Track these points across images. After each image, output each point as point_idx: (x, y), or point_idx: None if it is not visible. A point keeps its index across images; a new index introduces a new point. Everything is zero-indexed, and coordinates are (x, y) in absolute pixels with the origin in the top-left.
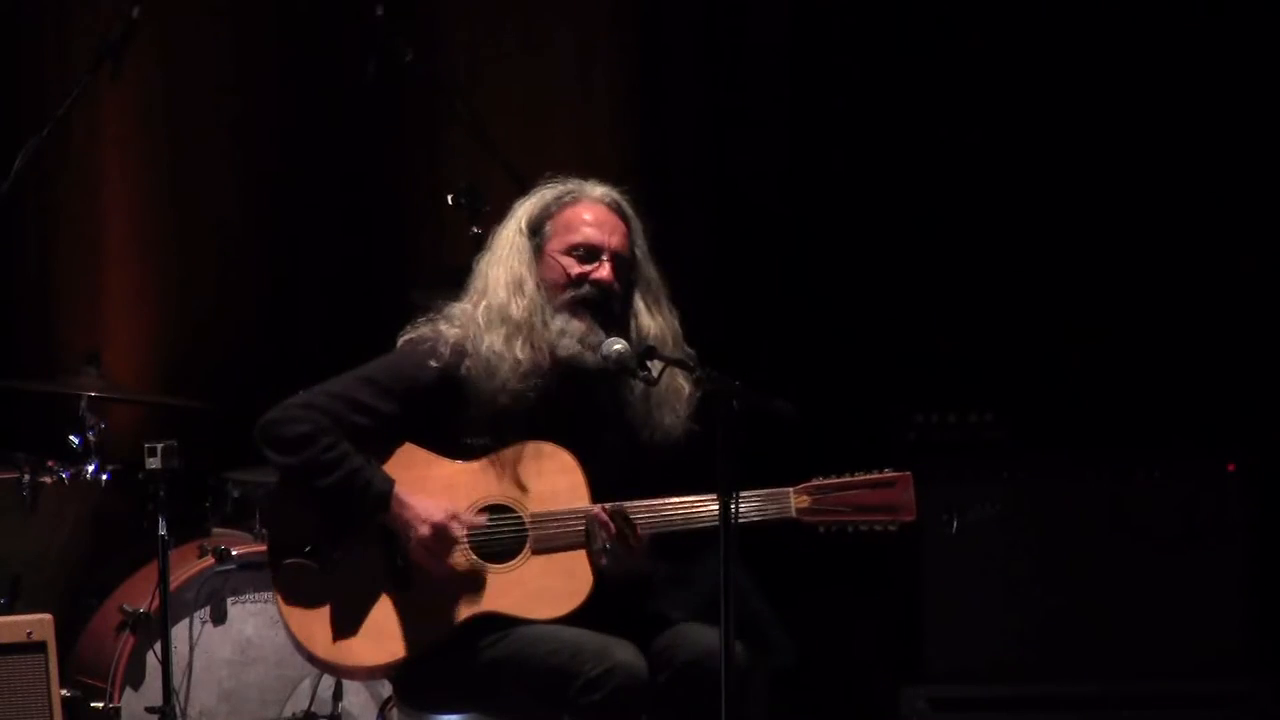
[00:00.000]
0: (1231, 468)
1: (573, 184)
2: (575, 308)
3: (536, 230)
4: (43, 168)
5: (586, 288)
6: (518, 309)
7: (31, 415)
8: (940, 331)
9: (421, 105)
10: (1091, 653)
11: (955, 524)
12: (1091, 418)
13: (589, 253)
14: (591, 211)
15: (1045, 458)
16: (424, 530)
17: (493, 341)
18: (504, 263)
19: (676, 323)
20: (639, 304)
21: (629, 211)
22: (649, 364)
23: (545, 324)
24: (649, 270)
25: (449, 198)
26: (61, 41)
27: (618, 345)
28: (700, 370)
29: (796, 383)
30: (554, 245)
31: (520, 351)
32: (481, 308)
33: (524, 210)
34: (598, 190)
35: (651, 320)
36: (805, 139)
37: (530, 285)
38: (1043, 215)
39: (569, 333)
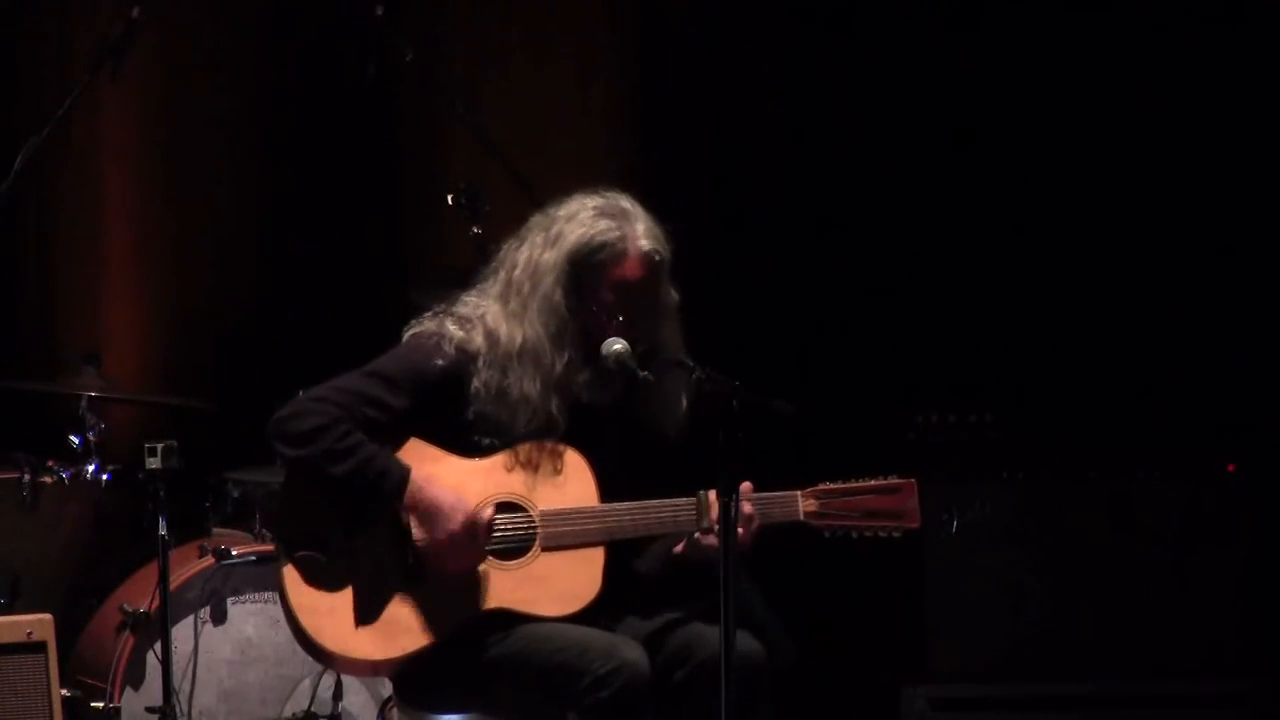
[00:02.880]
0: (1231, 468)
1: (620, 223)
2: (604, 371)
3: (580, 272)
4: (43, 168)
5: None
6: (560, 363)
7: (31, 415)
8: (940, 331)
9: (421, 105)
10: (1092, 653)
11: (955, 524)
12: (1092, 418)
13: (630, 319)
14: (640, 273)
15: (1045, 458)
16: (454, 527)
17: (524, 384)
18: (546, 297)
19: (679, 333)
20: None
21: (667, 255)
22: (649, 364)
23: (571, 370)
24: (666, 292)
25: (449, 198)
26: (61, 41)
27: (617, 346)
28: (700, 371)
29: (797, 383)
30: (597, 297)
31: (554, 406)
32: (519, 339)
33: (571, 241)
34: (645, 243)
35: (661, 336)
36: (804, 140)
37: (570, 333)
38: (1043, 215)
39: (596, 388)
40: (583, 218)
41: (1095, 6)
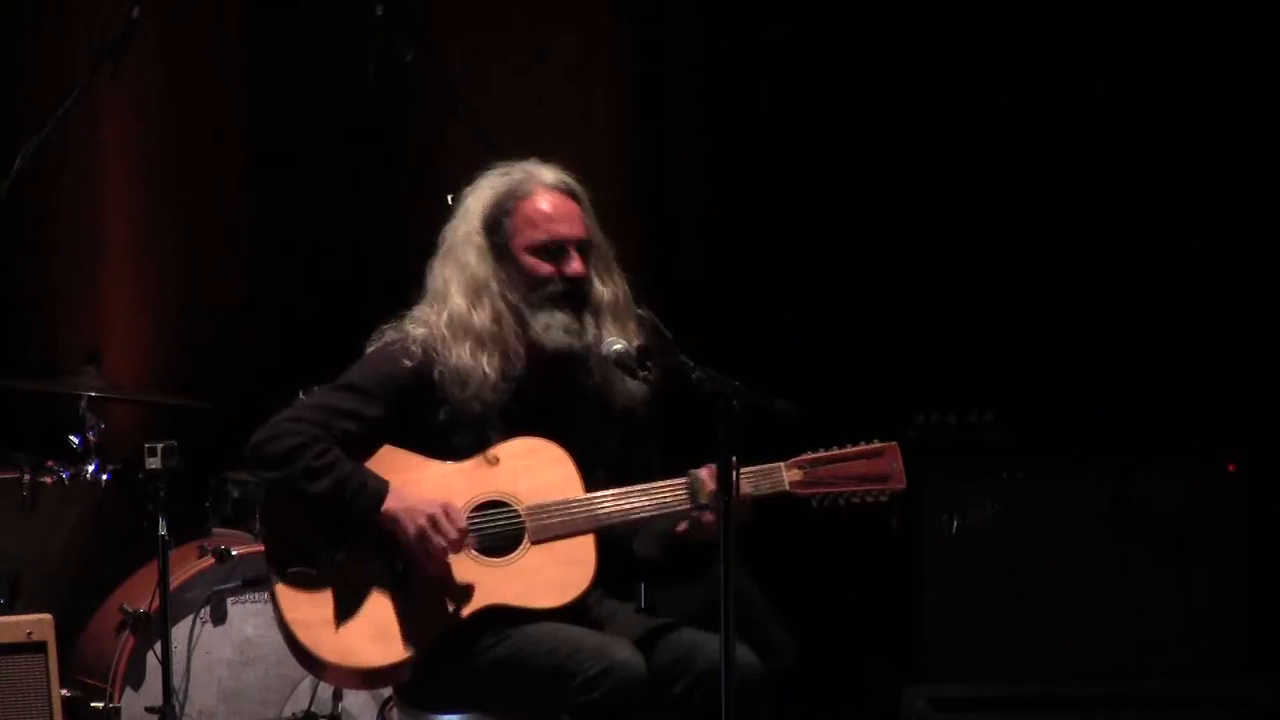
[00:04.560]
0: (1231, 468)
1: (520, 172)
2: (555, 301)
3: (495, 227)
4: (43, 168)
5: (561, 284)
6: (479, 318)
7: (31, 415)
8: (940, 331)
9: (421, 105)
10: (1092, 653)
11: (955, 524)
12: (1091, 418)
13: (558, 249)
14: (550, 202)
15: (1045, 458)
16: (421, 522)
17: (460, 353)
18: (459, 266)
19: (625, 285)
20: (591, 273)
21: (580, 190)
22: (649, 363)
23: (521, 323)
24: (596, 237)
25: (449, 198)
26: (61, 41)
27: (617, 345)
28: (699, 370)
29: (797, 383)
30: (519, 243)
31: (488, 364)
32: (444, 317)
33: (477, 206)
34: (548, 176)
35: (604, 287)
36: (805, 139)
37: (493, 289)
38: (1043, 215)
39: (554, 325)
40: (484, 184)
41: (1097, 6)
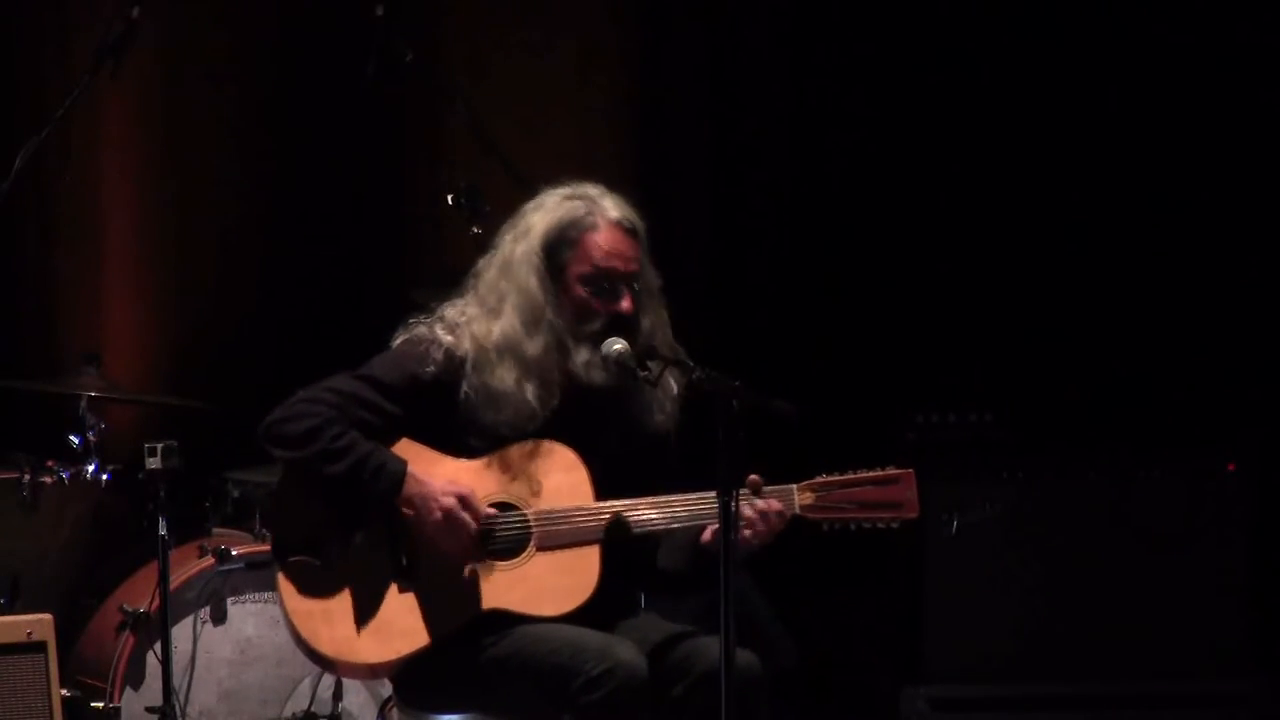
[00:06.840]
0: (1231, 468)
1: (586, 202)
2: (600, 338)
3: (553, 253)
4: (43, 168)
5: (608, 320)
6: (534, 347)
7: (31, 415)
8: (940, 331)
9: (421, 105)
10: (1091, 653)
11: (955, 524)
12: (1092, 417)
13: (612, 287)
14: (611, 239)
15: (1045, 458)
16: (448, 501)
17: (503, 376)
18: (521, 288)
19: (666, 317)
20: (640, 309)
21: (641, 228)
22: (649, 363)
23: (566, 355)
24: (648, 271)
25: (449, 198)
26: (61, 41)
27: (618, 345)
28: (700, 370)
29: (797, 383)
30: (574, 272)
31: (530, 394)
32: (496, 334)
33: (540, 228)
34: (614, 213)
35: (646, 320)
36: (806, 139)
37: (548, 317)
38: (1043, 215)
39: (596, 364)
40: (549, 204)
41: (1097, 6)
